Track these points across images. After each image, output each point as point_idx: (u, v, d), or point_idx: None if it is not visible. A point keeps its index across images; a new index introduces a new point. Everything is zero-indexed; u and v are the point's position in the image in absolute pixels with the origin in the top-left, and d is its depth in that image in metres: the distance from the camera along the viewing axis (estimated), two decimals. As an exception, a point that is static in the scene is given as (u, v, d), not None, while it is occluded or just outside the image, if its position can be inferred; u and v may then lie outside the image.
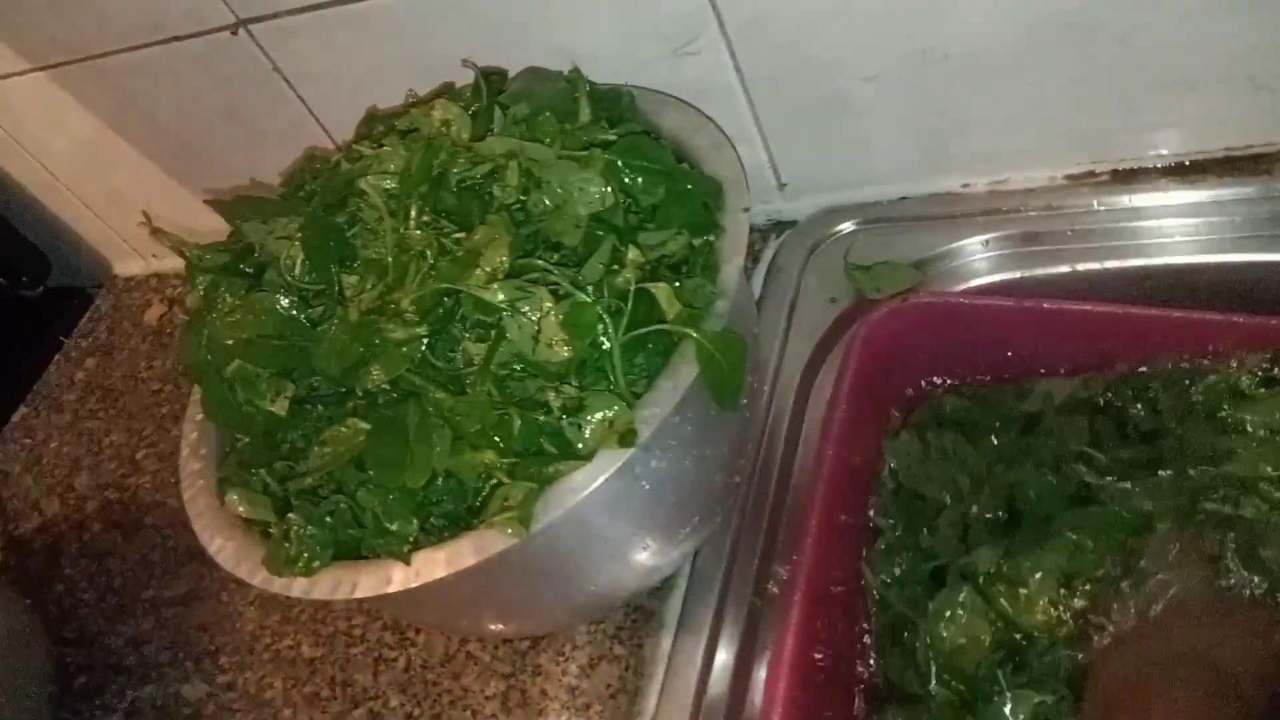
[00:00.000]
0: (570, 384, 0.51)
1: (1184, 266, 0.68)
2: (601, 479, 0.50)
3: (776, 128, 0.76)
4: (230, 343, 0.56)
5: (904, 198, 0.77)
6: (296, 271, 0.57)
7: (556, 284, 0.53)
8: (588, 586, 0.60)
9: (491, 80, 0.66)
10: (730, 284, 0.54)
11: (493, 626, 0.65)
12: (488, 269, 0.51)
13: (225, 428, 0.60)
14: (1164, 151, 0.69)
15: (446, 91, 0.68)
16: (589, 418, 0.51)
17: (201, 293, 0.59)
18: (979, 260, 0.74)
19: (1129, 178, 0.70)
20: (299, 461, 0.57)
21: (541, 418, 0.52)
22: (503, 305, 0.51)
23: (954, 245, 0.74)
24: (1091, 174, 0.71)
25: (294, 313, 0.55)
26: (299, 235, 0.57)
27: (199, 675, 0.78)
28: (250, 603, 0.81)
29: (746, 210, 0.58)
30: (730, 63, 0.72)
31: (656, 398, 0.51)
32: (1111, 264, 0.70)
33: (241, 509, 0.57)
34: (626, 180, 0.56)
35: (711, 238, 0.57)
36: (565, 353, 0.51)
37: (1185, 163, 0.69)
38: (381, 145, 0.61)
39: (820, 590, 0.63)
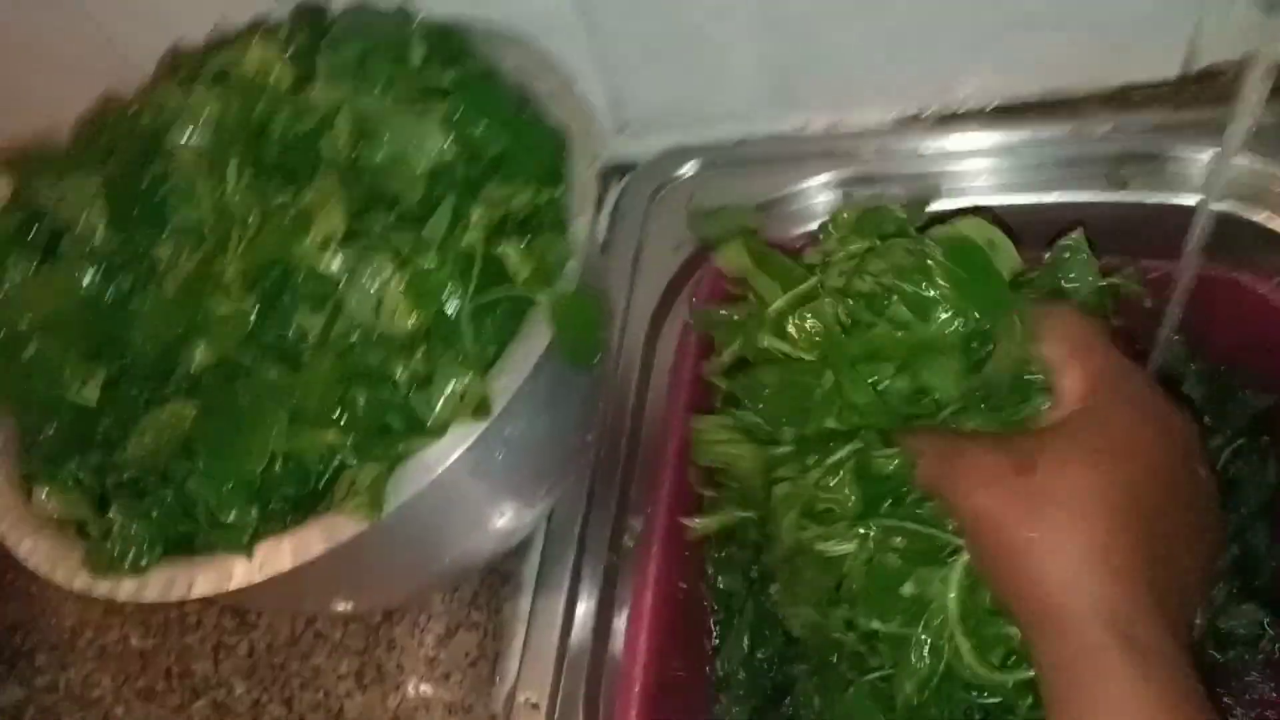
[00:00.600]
0: (418, 355, 0.48)
1: (999, 208, 0.71)
2: (455, 455, 0.47)
3: (617, 65, 0.73)
4: (24, 325, 0.49)
5: (744, 139, 0.77)
6: (98, 240, 0.51)
7: (393, 247, 0.49)
8: (443, 558, 0.58)
9: (312, 15, 0.60)
10: (581, 242, 0.52)
11: (342, 605, 0.62)
12: (321, 235, 0.47)
13: (25, 417, 0.53)
14: (981, 93, 0.71)
15: (259, 27, 0.62)
16: (439, 390, 0.48)
17: (-18, 267, 0.52)
18: (818, 203, 0.74)
19: (951, 121, 0.72)
20: (115, 451, 0.52)
21: (387, 393, 0.48)
22: (339, 274, 0.47)
23: (794, 188, 0.74)
24: (917, 117, 0.73)
25: (99, 288, 0.49)
26: (99, 198, 0.51)
27: (14, 679, 0.71)
28: (66, 596, 0.74)
29: (595, 161, 0.55)
30: (571, -1, 0.68)
31: (509, 365, 0.49)
32: (932, 207, 0.71)
33: (55, 509, 0.51)
34: (467, 131, 0.52)
35: (559, 191, 0.54)
36: (411, 322, 0.48)
37: (1003, 105, 0.71)
38: (189, 92, 0.55)
39: (676, 541, 0.63)
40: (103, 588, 0.50)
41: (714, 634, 0.68)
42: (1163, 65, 0.66)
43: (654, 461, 0.65)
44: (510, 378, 0.49)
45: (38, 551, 0.52)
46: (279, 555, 0.48)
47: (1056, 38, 0.65)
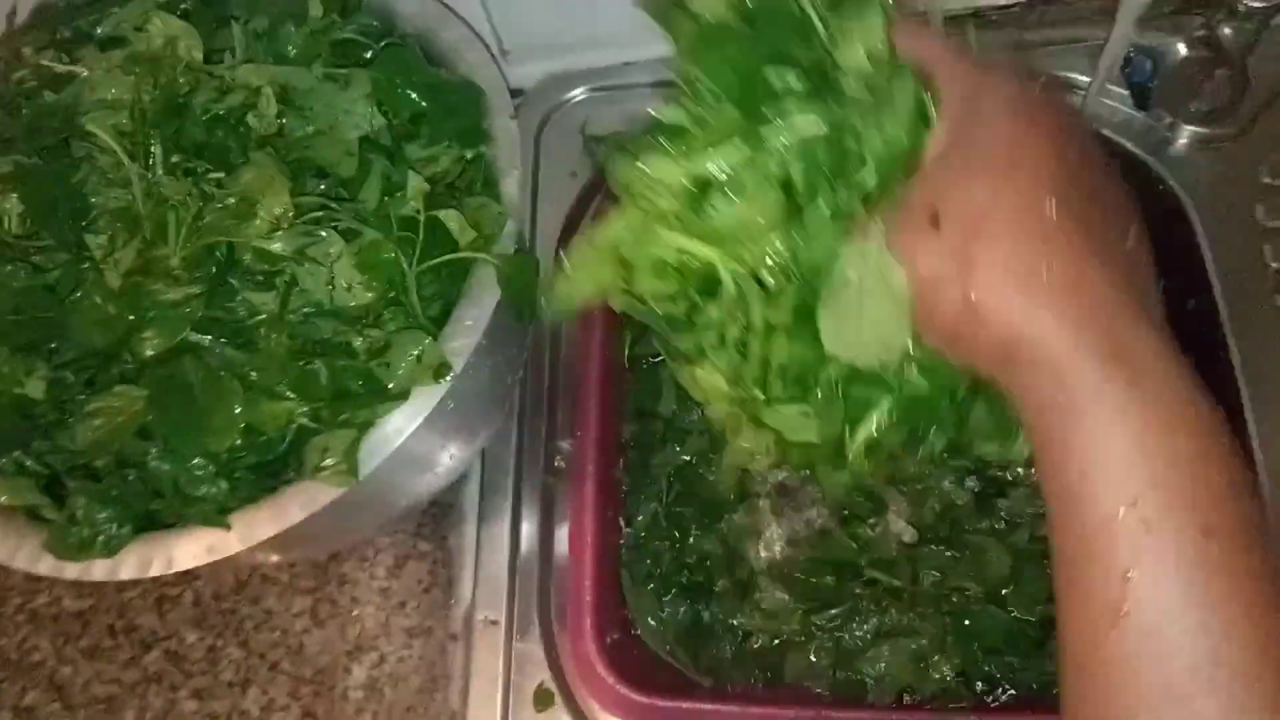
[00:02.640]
0: (376, 325, 0.50)
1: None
2: (423, 418, 0.51)
3: (502, 4, 0.73)
4: (-46, 324, 0.48)
5: (629, 63, 0.79)
6: (14, 229, 0.49)
7: (337, 220, 0.50)
8: (399, 503, 0.61)
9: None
10: (514, 201, 0.55)
11: (291, 553, 0.65)
12: (268, 217, 0.48)
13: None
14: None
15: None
16: (399, 356, 0.51)
17: (-107, 265, 0.49)
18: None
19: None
20: (60, 438, 0.52)
21: (347, 362, 0.51)
22: (289, 254, 0.48)
23: (681, 109, 0.77)
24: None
25: (29, 281, 0.48)
26: (7, 186, 0.49)
27: (-61, 654, 0.71)
28: (-21, 566, 0.73)
29: (514, 118, 0.57)
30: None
31: (463, 328, 0.52)
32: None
33: (3, 498, 0.51)
34: (390, 96, 0.53)
35: (483, 149, 0.56)
36: (367, 296, 0.49)
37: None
38: (74, 59, 0.53)
39: (605, 457, 0.69)
40: (72, 570, 0.51)
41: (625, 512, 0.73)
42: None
43: (576, 386, 0.69)
44: (465, 339, 0.52)
45: (-9, 541, 0.52)
46: (259, 525, 0.50)
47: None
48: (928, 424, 0.41)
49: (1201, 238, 0.66)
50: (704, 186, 0.39)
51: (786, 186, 0.39)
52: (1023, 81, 0.38)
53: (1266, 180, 0.67)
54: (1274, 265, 0.66)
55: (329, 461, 0.50)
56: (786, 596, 0.64)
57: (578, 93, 0.79)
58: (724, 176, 0.39)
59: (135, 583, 0.70)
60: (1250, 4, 0.63)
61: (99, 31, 0.53)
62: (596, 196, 0.76)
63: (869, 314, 0.37)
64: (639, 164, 0.40)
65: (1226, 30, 0.63)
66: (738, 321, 0.41)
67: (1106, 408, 0.33)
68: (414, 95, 0.54)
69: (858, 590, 0.63)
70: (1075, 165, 0.36)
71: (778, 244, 0.39)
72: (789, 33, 0.40)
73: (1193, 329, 0.66)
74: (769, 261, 0.39)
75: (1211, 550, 0.32)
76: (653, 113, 0.42)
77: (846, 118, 0.38)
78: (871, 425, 0.40)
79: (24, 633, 0.70)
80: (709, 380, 0.44)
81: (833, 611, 0.64)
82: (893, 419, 0.40)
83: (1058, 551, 0.34)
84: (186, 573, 0.69)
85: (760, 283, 0.40)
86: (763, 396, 0.42)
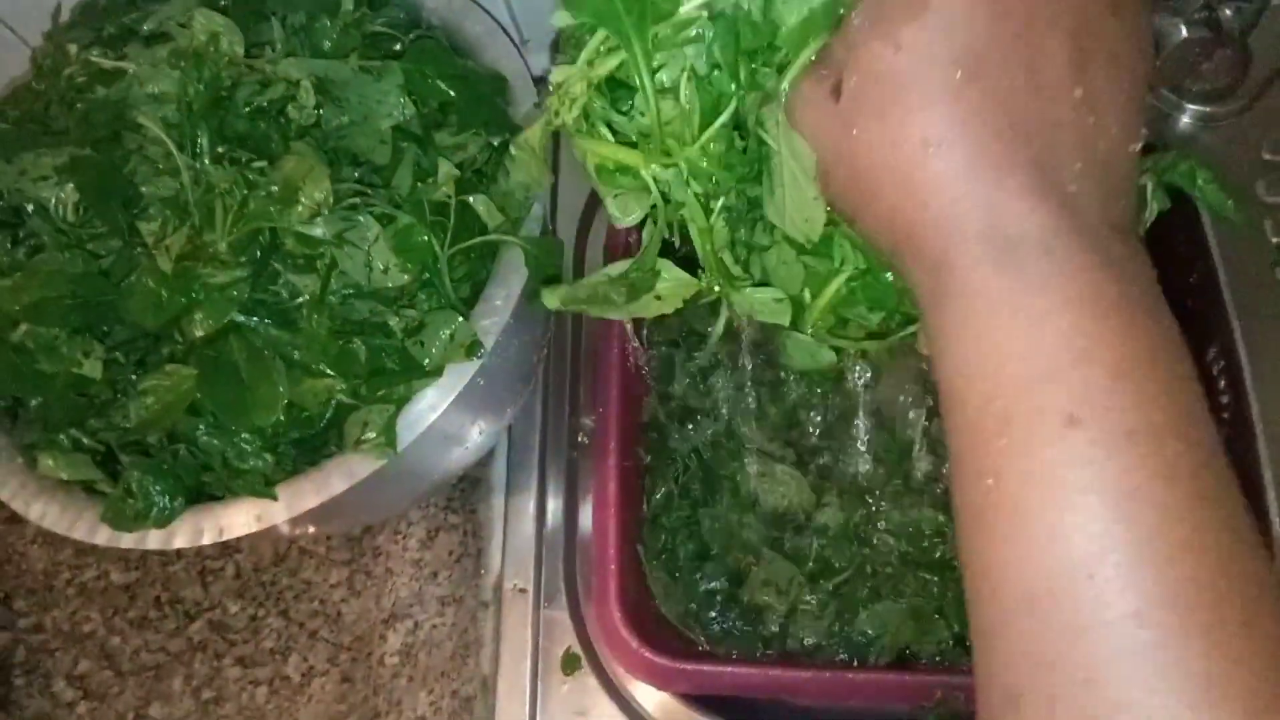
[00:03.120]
0: (411, 306, 0.53)
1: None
2: (456, 393, 0.53)
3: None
4: (16, 308, 0.51)
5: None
6: (69, 218, 0.52)
7: (373, 206, 0.53)
8: (433, 477, 0.64)
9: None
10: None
11: (329, 525, 0.68)
12: (310, 203, 0.50)
13: (20, 392, 0.55)
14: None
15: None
16: (433, 335, 0.53)
17: (-45, 253, 0.52)
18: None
19: None
20: (113, 415, 0.55)
21: (385, 341, 0.53)
22: (329, 239, 0.51)
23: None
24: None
25: (85, 266, 0.51)
26: (63, 176, 0.52)
27: (-6, 624, 0.74)
28: (31, 541, 0.76)
29: (538, 105, 0.59)
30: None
31: (492, 307, 0.55)
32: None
33: (63, 473, 0.55)
34: (421, 86, 0.56)
35: (508, 136, 0.59)
36: (403, 277, 0.52)
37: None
38: (122, 55, 0.56)
39: (627, 431, 0.71)
40: (129, 540, 0.54)
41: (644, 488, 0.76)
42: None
43: (598, 365, 0.72)
44: (495, 318, 0.54)
45: (50, 513, 0.55)
46: (303, 495, 0.53)
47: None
48: (879, 301, 0.39)
49: (1204, 213, 0.68)
50: (619, 88, 0.38)
51: (699, 79, 0.36)
52: None
53: (1268, 157, 0.69)
54: (1275, 240, 0.68)
55: (369, 435, 0.52)
56: (792, 566, 0.66)
57: (596, 80, 0.81)
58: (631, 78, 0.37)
59: (179, 556, 0.73)
60: (1250, -15, 0.65)
61: (144, 28, 0.56)
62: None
63: (788, 185, 0.35)
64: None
65: (1227, 11, 0.65)
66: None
67: (978, 299, 0.29)
68: (443, 85, 0.56)
69: (865, 552, 0.66)
70: (1029, 8, 0.29)
71: (701, 141, 0.37)
72: None
73: (1196, 303, 0.68)
74: (699, 160, 0.37)
75: (1124, 449, 0.27)
76: (552, 21, 0.39)
77: None
78: (828, 294, 0.39)
79: (74, 605, 0.74)
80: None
81: (837, 579, 0.66)
82: (851, 293, 0.39)
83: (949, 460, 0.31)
84: (228, 546, 0.73)
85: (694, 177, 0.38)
86: (721, 276, 0.41)
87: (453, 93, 0.57)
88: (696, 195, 0.39)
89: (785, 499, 0.67)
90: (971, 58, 0.29)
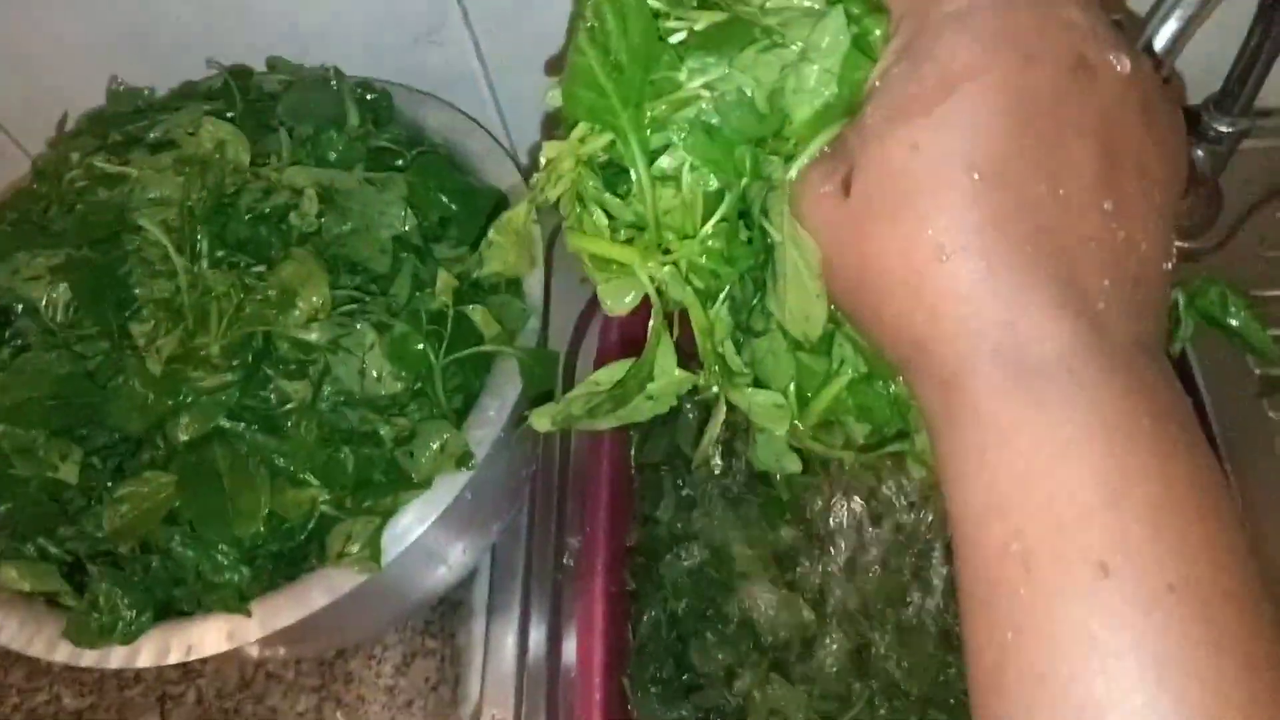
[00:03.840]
0: (402, 415, 0.52)
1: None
2: (446, 505, 0.52)
3: (518, 113, 0.78)
4: (-4, 408, 0.50)
5: (637, 178, 0.83)
6: (59, 318, 0.52)
7: (369, 313, 0.53)
8: (411, 598, 0.62)
9: (240, 80, 0.61)
10: (536, 299, 0.57)
11: (301, 648, 0.65)
12: (307, 308, 0.50)
13: (-11, 496, 0.53)
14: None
15: (187, 91, 0.63)
16: (423, 445, 0.52)
17: (-62, 351, 0.51)
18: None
19: None
20: (81, 523, 0.53)
21: (374, 450, 0.52)
22: (324, 345, 0.51)
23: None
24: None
25: (71, 367, 0.50)
26: (57, 276, 0.51)
27: (-69, 754, 0.69)
28: (-20, 661, 0.72)
29: (536, 222, 0.60)
30: (474, 52, 0.72)
31: (485, 418, 0.54)
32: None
33: (26, 585, 0.52)
34: (422, 199, 0.56)
35: (505, 249, 0.59)
36: (397, 385, 0.51)
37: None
38: (126, 161, 0.56)
39: (615, 553, 0.69)
40: (89, 658, 0.52)
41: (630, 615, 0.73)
42: None
43: (586, 485, 0.71)
44: (487, 429, 0.53)
45: (8, 628, 0.53)
46: (278, 612, 0.51)
47: None
48: (869, 412, 0.37)
49: (1187, 346, 0.69)
50: (613, 166, 0.36)
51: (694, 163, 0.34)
52: None
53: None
54: (1258, 372, 0.69)
55: (353, 548, 0.50)
56: (801, 694, 0.64)
57: (589, 205, 0.83)
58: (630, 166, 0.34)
59: (137, 680, 0.69)
60: (1219, 129, 0.67)
61: (150, 136, 0.57)
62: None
63: (790, 279, 0.33)
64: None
65: (1199, 152, 0.67)
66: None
67: (993, 427, 0.26)
68: (444, 199, 0.57)
69: (873, 685, 0.63)
70: (1043, 109, 0.27)
71: (702, 234, 0.34)
72: None
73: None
74: (699, 256, 0.35)
75: (1165, 607, 0.24)
76: (547, 100, 0.37)
77: (760, 65, 0.32)
78: (825, 397, 0.37)
79: (20, 732, 0.69)
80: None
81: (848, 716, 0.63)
82: (847, 398, 0.36)
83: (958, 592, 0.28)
84: (190, 670, 0.69)
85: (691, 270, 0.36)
86: (721, 374, 0.38)
87: (454, 206, 0.57)
88: (697, 291, 0.36)
89: (783, 628, 0.65)
90: (992, 163, 0.27)
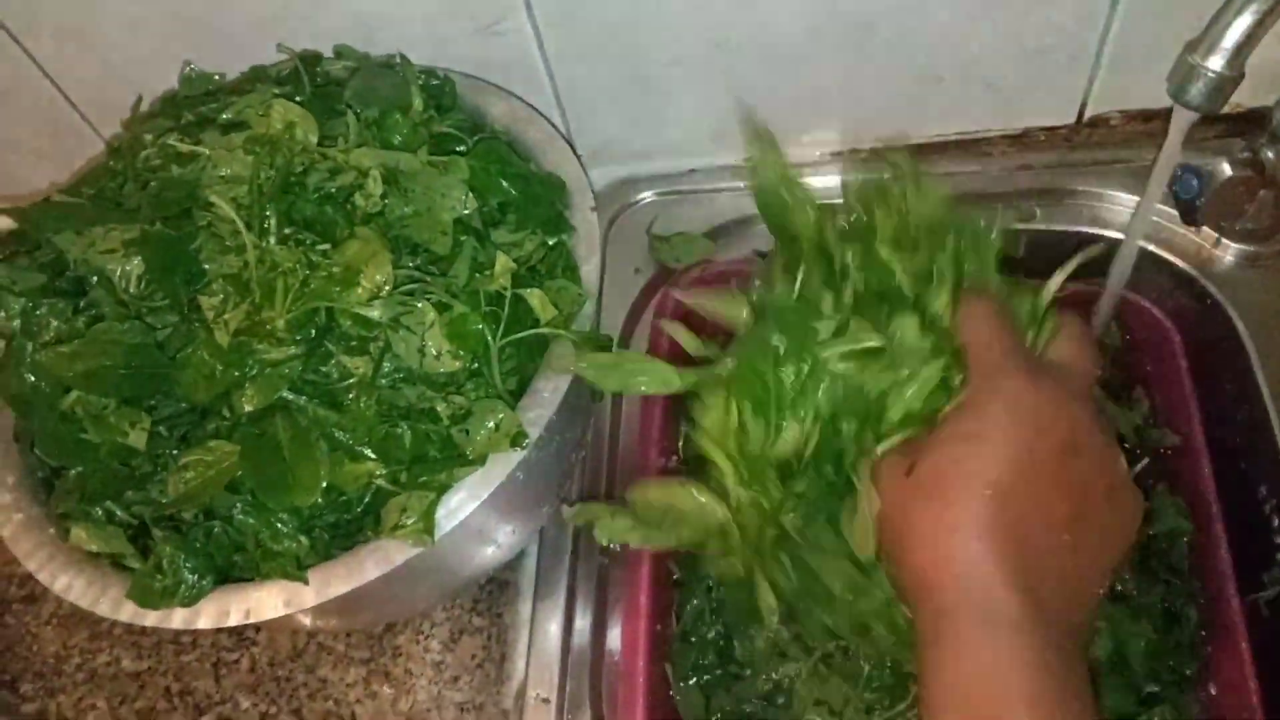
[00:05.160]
0: (459, 394, 0.53)
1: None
2: (499, 482, 0.53)
3: (576, 103, 0.79)
4: (70, 374, 0.51)
5: (693, 170, 0.83)
6: (131, 290, 0.53)
7: (431, 293, 0.54)
8: (461, 574, 0.63)
9: (309, 65, 0.63)
10: (592, 285, 0.58)
11: (352, 619, 0.66)
12: (369, 286, 0.51)
13: (62, 460, 0.55)
14: (910, 132, 0.80)
15: (257, 75, 0.64)
16: (479, 423, 0.53)
17: (17, 320, 0.53)
18: (762, 229, 0.81)
19: (877, 155, 0.81)
20: (148, 488, 0.55)
21: (431, 427, 0.53)
22: (385, 322, 0.52)
23: (741, 215, 0.81)
24: (854, 150, 0.81)
25: (142, 337, 0.52)
26: (130, 250, 0.53)
27: (-4, 708, 0.72)
28: (45, 623, 0.75)
29: (594, 210, 0.61)
30: (535, 42, 0.73)
31: (539, 399, 0.55)
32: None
33: (95, 545, 0.54)
34: (483, 183, 0.57)
35: (564, 237, 0.60)
36: (455, 364, 0.52)
37: (923, 143, 0.80)
38: (198, 141, 0.58)
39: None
40: (152, 618, 0.53)
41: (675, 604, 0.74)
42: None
43: (634, 470, 0.71)
44: (541, 410, 0.54)
45: (75, 586, 0.55)
46: (335, 580, 0.52)
47: (966, 90, 0.75)
48: (897, 628, 0.49)
49: (1250, 349, 0.68)
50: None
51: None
52: (1043, 387, 0.43)
53: (1312, 297, 0.69)
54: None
55: (407, 521, 0.52)
56: (848, 686, 0.63)
57: (645, 195, 0.83)
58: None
59: (194, 645, 0.71)
60: (1290, 132, 0.66)
61: (222, 117, 0.58)
62: (657, 293, 0.79)
63: (860, 514, 0.46)
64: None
65: (1269, 154, 0.66)
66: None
67: (964, 648, 0.40)
68: (505, 184, 0.58)
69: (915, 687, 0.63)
70: (1067, 474, 0.42)
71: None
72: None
73: (1244, 439, 0.67)
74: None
75: None
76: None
77: (879, 378, 0.47)
78: (867, 607, 0.49)
79: (81, 691, 0.71)
80: None
81: (893, 710, 0.63)
82: (884, 610, 0.49)
83: None
84: (244, 638, 0.71)
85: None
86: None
87: (514, 191, 0.58)
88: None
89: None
90: (1000, 488, 0.41)
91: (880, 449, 0.46)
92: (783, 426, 0.48)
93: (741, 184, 0.82)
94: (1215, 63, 0.50)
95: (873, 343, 0.47)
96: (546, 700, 0.64)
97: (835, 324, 0.48)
